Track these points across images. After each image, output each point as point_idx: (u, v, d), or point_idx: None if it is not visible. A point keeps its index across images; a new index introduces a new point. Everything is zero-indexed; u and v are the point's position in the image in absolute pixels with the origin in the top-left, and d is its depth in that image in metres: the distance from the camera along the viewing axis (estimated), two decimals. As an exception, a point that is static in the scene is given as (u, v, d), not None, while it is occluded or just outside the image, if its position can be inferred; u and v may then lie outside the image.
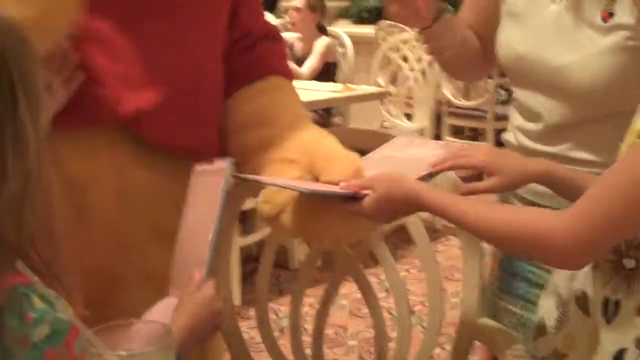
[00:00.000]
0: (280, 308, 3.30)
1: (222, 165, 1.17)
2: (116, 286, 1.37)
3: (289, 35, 4.74)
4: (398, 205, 1.18)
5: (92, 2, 1.27)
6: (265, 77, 1.50)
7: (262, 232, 3.44)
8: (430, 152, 1.35)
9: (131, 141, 1.35)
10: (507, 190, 1.31)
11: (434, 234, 4.14)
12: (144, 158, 1.37)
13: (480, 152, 1.27)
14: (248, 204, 1.68)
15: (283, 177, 1.34)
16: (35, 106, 0.86)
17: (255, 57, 1.51)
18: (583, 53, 1.33)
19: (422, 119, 4.43)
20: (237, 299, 3.26)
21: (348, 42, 4.84)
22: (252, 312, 1.79)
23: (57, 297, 0.89)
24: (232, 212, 1.57)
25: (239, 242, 3.36)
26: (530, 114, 1.46)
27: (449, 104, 5.26)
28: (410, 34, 5.06)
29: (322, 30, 4.72)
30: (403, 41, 4.73)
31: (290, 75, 1.55)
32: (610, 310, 1.10)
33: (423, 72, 4.48)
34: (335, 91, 4.06)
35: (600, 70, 1.31)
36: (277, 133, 1.42)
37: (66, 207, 1.28)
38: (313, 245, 1.62)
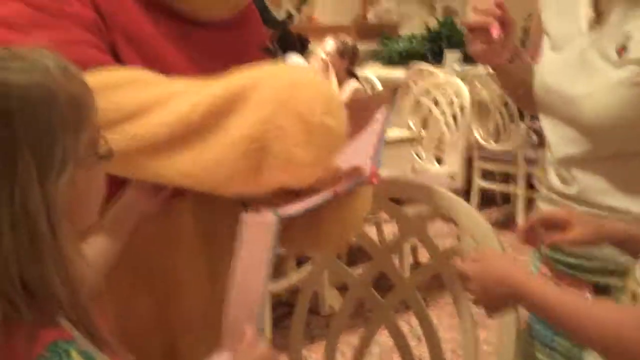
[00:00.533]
0: (311, 355, 3.28)
1: (271, 217, 1.17)
2: (168, 332, 1.40)
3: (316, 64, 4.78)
4: (500, 298, 1.19)
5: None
6: None
7: (292, 278, 3.43)
8: (371, 124, 1.35)
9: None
10: (586, 245, 1.31)
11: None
12: (201, 205, 1.40)
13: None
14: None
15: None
16: (45, 166, 0.85)
17: None
18: (597, 85, 1.37)
19: (453, 162, 4.41)
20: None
21: (379, 85, 4.86)
22: (283, 358, 1.78)
23: (97, 353, 0.88)
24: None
25: (270, 287, 3.34)
26: (553, 145, 1.49)
27: (480, 147, 5.24)
28: (441, 78, 5.08)
29: (352, 75, 4.74)
30: (434, 85, 4.74)
31: None
32: None
33: (454, 116, 4.48)
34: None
35: (612, 103, 1.35)
36: None
37: (156, 291, 1.35)
38: (323, 251, 1.60)
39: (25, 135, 0.84)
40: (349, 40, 4.82)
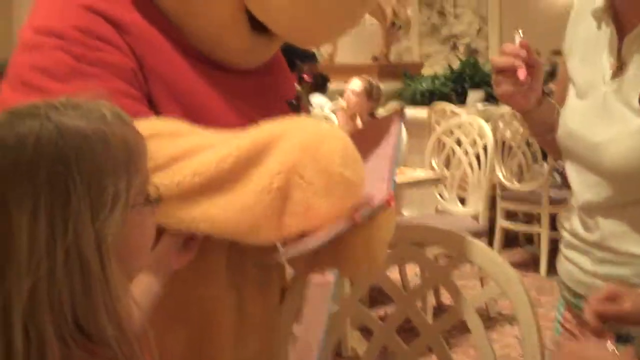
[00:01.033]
0: (333, 398, 3.25)
1: (330, 278, 1.28)
2: None
3: (340, 119, 4.80)
4: None
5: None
6: None
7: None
8: (383, 146, 1.41)
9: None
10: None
11: (488, 321, 4.07)
12: (258, 275, 1.48)
13: None
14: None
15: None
16: (97, 205, 0.89)
17: None
18: (619, 132, 1.38)
19: (476, 203, 4.40)
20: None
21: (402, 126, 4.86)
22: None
23: None
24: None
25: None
26: (576, 191, 1.49)
27: (503, 187, 5.22)
28: (463, 118, 5.08)
29: (373, 117, 4.76)
30: (457, 125, 4.74)
31: None
32: None
33: (477, 156, 4.47)
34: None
35: (633, 149, 1.36)
36: None
37: (189, 325, 1.39)
38: (353, 276, 1.64)
39: (79, 175, 0.88)
40: (373, 80, 4.85)
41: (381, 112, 5.19)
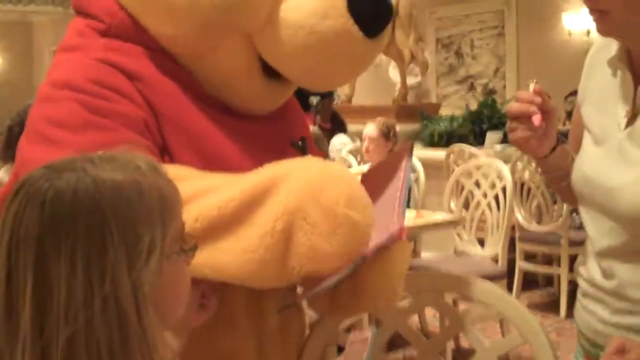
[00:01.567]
0: None
1: (368, 333, 1.32)
2: None
3: (364, 167, 4.81)
4: None
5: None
6: None
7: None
8: (395, 179, 1.42)
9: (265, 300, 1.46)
10: None
11: (508, 364, 4.05)
12: (277, 322, 1.49)
13: None
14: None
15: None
16: (133, 254, 0.92)
17: None
18: (634, 177, 1.39)
19: (495, 244, 4.39)
20: None
21: (420, 167, 4.88)
22: None
23: None
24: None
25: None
26: (592, 237, 1.50)
27: (522, 228, 5.21)
28: (482, 159, 5.09)
29: (391, 158, 4.78)
30: (475, 166, 4.75)
31: None
32: None
33: (496, 198, 4.47)
34: (409, 219, 4.07)
35: None
36: None
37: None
38: (372, 311, 1.64)
39: (116, 225, 0.91)
40: (387, 120, 4.87)
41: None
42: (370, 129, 4.76)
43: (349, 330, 2.30)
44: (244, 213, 1.23)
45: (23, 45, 14.52)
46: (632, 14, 1.38)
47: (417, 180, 4.87)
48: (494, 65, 9.89)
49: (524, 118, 1.48)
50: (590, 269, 1.52)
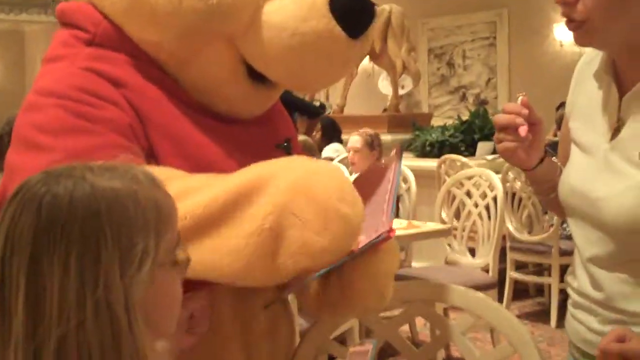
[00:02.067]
0: None
1: (369, 346, 1.36)
2: None
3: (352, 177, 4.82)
4: None
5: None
6: None
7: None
8: (385, 182, 1.43)
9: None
10: None
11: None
12: (265, 324, 1.49)
13: None
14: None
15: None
16: (126, 261, 0.92)
17: None
18: (620, 187, 1.40)
19: (486, 254, 4.40)
20: None
21: (411, 176, 4.90)
22: None
23: None
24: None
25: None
26: (579, 247, 1.51)
27: (513, 238, 5.23)
28: (473, 169, 5.11)
29: (379, 164, 4.78)
30: (467, 177, 4.77)
31: None
32: None
33: (487, 208, 4.49)
34: (399, 228, 4.08)
35: (634, 204, 1.38)
36: None
37: None
38: (362, 312, 1.63)
39: (110, 231, 0.92)
40: (371, 131, 4.89)
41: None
42: (355, 140, 4.79)
43: (339, 339, 2.30)
44: (230, 211, 1.23)
45: (15, 54, 14.51)
46: (611, 21, 1.39)
47: (408, 190, 4.88)
48: (486, 76, 9.94)
49: (510, 129, 1.49)
50: (580, 279, 1.53)
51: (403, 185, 4.93)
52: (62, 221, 0.91)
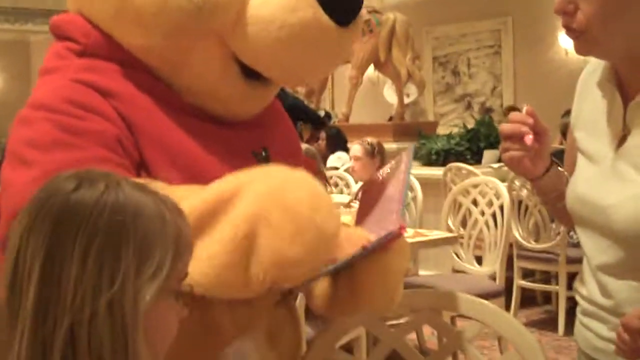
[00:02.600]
0: None
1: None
2: None
3: (354, 187, 4.83)
4: None
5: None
6: None
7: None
8: (396, 180, 1.45)
9: None
10: None
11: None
12: (267, 327, 1.49)
13: None
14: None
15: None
16: (142, 267, 0.94)
17: None
18: (628, 194, 1.40)
19: (493, 262, 4.39)
20: None
21: (417, 185, 4.89)
22: None
23: None
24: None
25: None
26: (589, 255, 1.51)
27: (520, 246, 5.21)
28: (480, 178, 5.10)
29: (384, 172, 4.78)
30: (472, 184, 4.76)
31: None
32: None
33: (493, 216, 4.48)
34: (407, 237, 4.06)
35: None
36: None
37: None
38: (373, 310, 1.64)
39: (134, 235, 0.94)
40: (373, 140, 4.89)
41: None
42: (356, 149, 4.80)
43: (346, 348, 2.29)
44: (207, 221, 1.23)
45: (20, 64, 14.54)
46: (610, 30, 1.39)
47: (414, 198, 4.87)
48: (491, 84, 9.94)
49: (516, 138, 1.48)
50: (589, 287, 1.52)
51: (409, 194, 4.93)
52: (90, 210, 0.93)
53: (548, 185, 1.59)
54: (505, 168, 6.29)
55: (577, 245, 5.00)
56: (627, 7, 1.38)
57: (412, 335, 4.34)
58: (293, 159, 1.63)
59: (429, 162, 7.05)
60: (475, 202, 4.62)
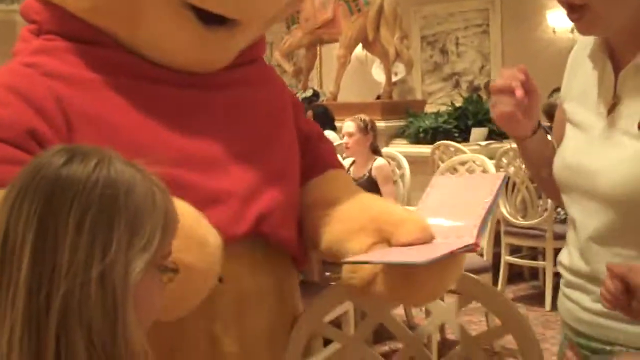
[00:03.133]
0: None
1: None
2: None
3: (345, 162, 4.83)
4: None
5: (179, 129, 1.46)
6: (324, 171, 1.72)
7: (318, 357, 3.42)
8: (481, 197, 1.47)
9: (247, 250, 1.51)
10: None
11: (494, 356, 4.07)
12: (255, 266, 1.54)
13: None
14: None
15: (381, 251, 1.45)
16: (132, 242, 0.96)
17: (317, 156, 1.74)
18: (617, 157, 1.41)
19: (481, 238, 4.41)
20: None
21: (405, 163, 4.91)
22: None
23: None
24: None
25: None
26: (578, 222, 1.51)
27: (507, 223, 5.25)
28: (467, 154, 5.12)
29: (376, 152, 4.79)
30: (461, 162, 4.78)
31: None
32: None
33: (480, 193, 4.49)
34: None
35: (631, 172, 1.39)
36: (340, 209, 1.59)
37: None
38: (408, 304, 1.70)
39: (126, 206, 0.96)
40: (365, 116, 4.90)
41: (385, 150, 5.22)
42: (348, 125, 4.80)
43: (335, 324, 2.31)
44: None
45: (7, 44, 14.43)
46: (613, 5, 1.40)
47: (402, 176, 4.89)
48: (479, 63, 9.93)
49: (506, 92, 1.49)
50: (573, 257, 1.53)
51: (397, 172, 4.95)
52: (83, 184, 0.94)
53: (534, 148, 1.60)
54: (493, 145, 6.31)
55: (564, 221, 5.04)
56: None
57: (400, 311, 4.36)
58: (282, 114, 1.65)
59: (417, 140, 7.06)
60: (462, 180, 4.64)
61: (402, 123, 7.46)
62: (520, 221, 5.21)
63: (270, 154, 1.60)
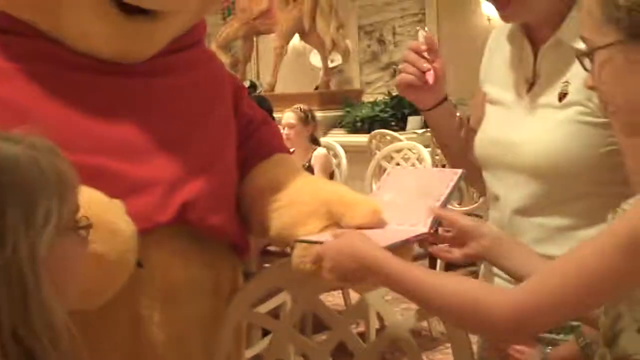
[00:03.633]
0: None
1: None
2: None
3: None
4: (353, 272, 1.26)
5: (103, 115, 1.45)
6: (270, 155, 1.69)
7: (256, 348, 3.42)
8: (437, 190, 1.46)
9: (176, 238, 1.50)
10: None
11: (432, 342, 4.12)
12: (186, 254, 1.52)
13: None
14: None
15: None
16: (30, 221, 0.94)
17: (261, 140, 1.72)
18: (540, 128, 1.46)
19: (417, 226, 4.46)
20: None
21: (342, 152, 4.93)
22: None
23: None
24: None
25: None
26: (502, 198, 1.54)
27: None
28: (403, 143, 5.16)
29: (315, 142, 4.80)
30: (396, 150, 4.82)
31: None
32: None
33: (416, 180, 4.54)
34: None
35: (554, 141, 1.43)
36: (290, 194, 1.57)
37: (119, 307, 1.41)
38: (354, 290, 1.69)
39: (12, 190, 0.93)
40: (305, 106, 4.90)
41: (323, 140, 5.23)
42: (288, 116, 4.79)
43: (274, 314, 2.31)
44: None
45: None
46: None
47: (339, 165, 4.91)
48: (416, 52, 9.99)
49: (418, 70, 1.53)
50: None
51: (334, 161, 4.96)
52: None
53: (439, 120, 1.63)
54: (429, 134, 6.36)
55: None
56: None
57: (336, 300, 4.38)
58: (216, 100, 1.64)
59: (354, 130, 7.10)
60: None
61: (339, 113, 7.48)
62: (457, 207, 5.27)
63: (198, 141, 1.58)
